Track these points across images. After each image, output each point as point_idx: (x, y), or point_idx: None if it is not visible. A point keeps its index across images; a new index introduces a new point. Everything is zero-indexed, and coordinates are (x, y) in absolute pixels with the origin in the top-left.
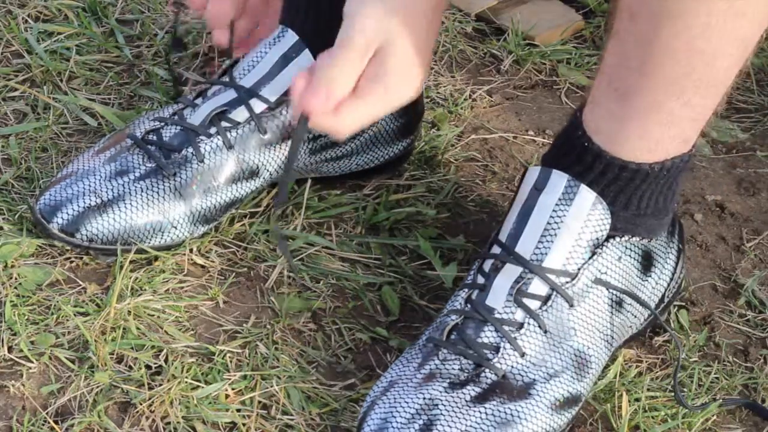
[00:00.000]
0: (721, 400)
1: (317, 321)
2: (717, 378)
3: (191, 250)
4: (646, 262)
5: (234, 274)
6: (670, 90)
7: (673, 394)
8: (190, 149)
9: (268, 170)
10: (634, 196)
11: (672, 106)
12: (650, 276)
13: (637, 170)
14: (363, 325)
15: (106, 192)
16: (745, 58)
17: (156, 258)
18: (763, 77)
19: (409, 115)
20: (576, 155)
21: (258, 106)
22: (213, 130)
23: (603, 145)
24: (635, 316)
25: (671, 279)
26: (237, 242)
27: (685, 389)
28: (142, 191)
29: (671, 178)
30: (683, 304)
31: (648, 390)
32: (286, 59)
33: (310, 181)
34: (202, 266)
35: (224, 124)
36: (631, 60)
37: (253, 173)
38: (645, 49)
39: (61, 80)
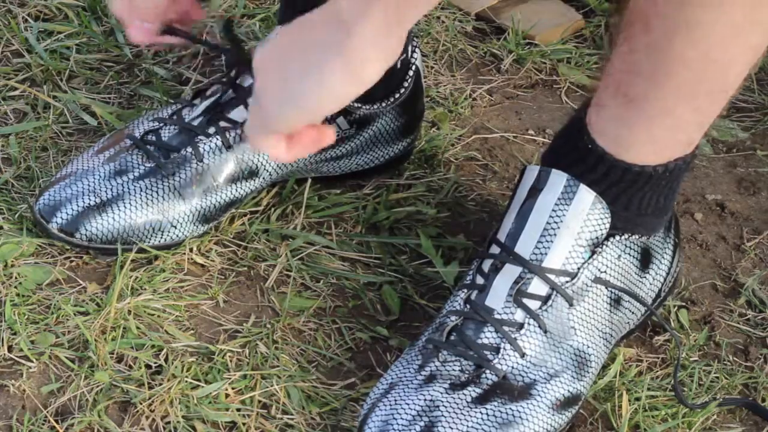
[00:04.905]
0: (721, 399)
1: (317, 320)
2: (717, 377)
3: (191, 250)
4: (645, 259)
5: (234, 273)
6: (681, 97)
7: (673, 393)
8: (189, 149)
9: (267, 170)
10: (635, 197)
11: (681, 113)
12: (648, 272)
13: (641, 173)
14: (363, 325)
15: (106, 192)
16: (754, 63)
17: (156, 257)
18: (763, 76)
19: (410, 115)
20: (578, 156)
21: None
22: (212, 130)
23: (607, 147)
24: (633, 313)
25: (668, 274)
26: (237, 241)
27: (685, 388)
28: (141, 191)
29: (673, 179)
30: (683, 303)
31: (648, 389)
32: None
33: (310, 180)
34: (202, 265)
35: (223, 123)
36: (642, 67)
37: (253, 173)
38: (658, 58)
39: (61, 79)
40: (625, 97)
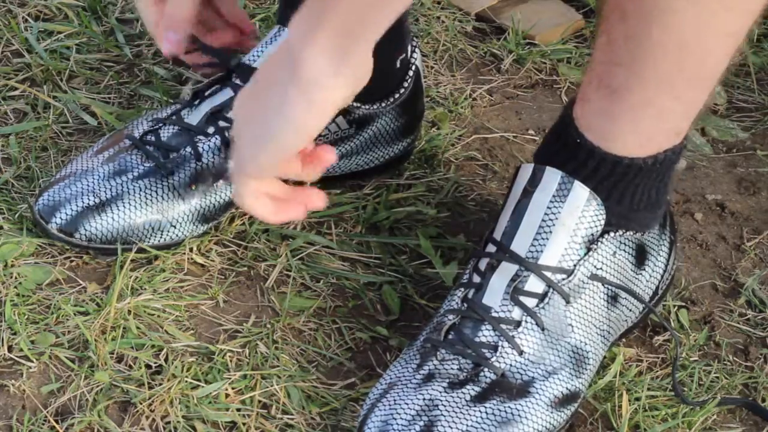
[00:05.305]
0: (720, 398)
1: (317, 320)
2: (717, 377)
3: (191, 249)
4: (640, 256)
5: (234, 273)
6: (662, 86)
7: (673, 393)
8: (189, 149)
9: None
10: (627, 190)
11: (663, 102)
12: (644, 269)
13: (630, 165)
14: (363, 325)
15: (105, 191)
16: (735, 50)
17: (156, 257)
18: (763, 76)
19: (410, 115)
20: (568, 152)
21: None
22: (211, 130)
23: (595, 141)
24: (630, 310)
25: (664, 271)
26: (237, 241)
27: (685, 388)
28: (140, 190)
29: (664, 171)
30: (683, 303)
31: (648, 389)
32: None
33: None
34: (202, 265)
35: (222, 123)
36: (621, 57)
37: None
38: (635, 47)
39: (61, 79)
40: (608, 89)
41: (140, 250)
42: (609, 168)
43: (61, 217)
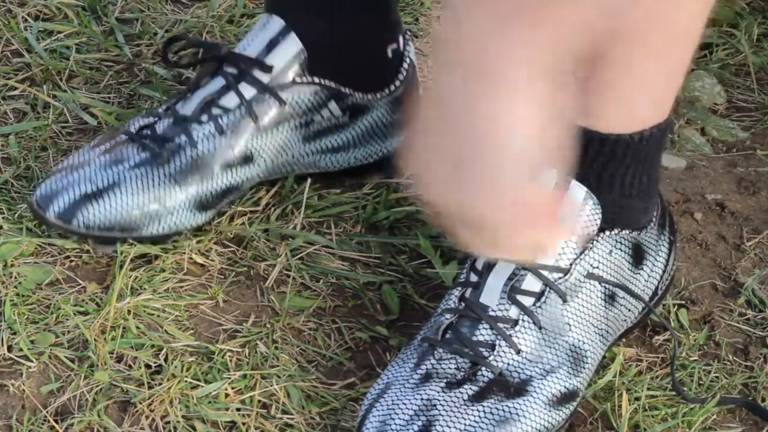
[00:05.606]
0: (719, 397)
1: (317, 320)
2: (717, 377)
3: (191, 249)
4: (638, 255)
5: (234, 273)
6: (636, 45)
7: (673, 392)
8: (183, 137)
9: (262, 156)
10: (617, 172)
11: (640, 65)
12: (642, 269)
13: (618, 141)
14: (363, 324)
15: (102, 180)
16: (707, 7)
17: (156, 257)
18: (763, 76)
19: None
20: None
21: (248, 91)
22: (205, 118)
23: (580, 121)
24: (629, 310)
25: (664, 271)
26: (237, 241)
27: (685, 388)
28: (137, 178)
29: (651, 151)
30: (683, 303)
31: (648, 389)
32: (272, 44)
33: (309, 180)
34: (202, 265)
35: (215, 111)
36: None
37: (248, 159)
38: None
39: (61, 79)
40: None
41: (140, 252)
42: (597, 148)
43: (58, 205)
